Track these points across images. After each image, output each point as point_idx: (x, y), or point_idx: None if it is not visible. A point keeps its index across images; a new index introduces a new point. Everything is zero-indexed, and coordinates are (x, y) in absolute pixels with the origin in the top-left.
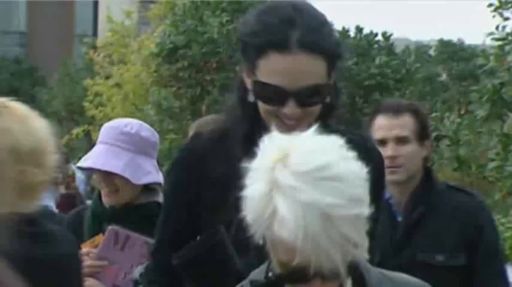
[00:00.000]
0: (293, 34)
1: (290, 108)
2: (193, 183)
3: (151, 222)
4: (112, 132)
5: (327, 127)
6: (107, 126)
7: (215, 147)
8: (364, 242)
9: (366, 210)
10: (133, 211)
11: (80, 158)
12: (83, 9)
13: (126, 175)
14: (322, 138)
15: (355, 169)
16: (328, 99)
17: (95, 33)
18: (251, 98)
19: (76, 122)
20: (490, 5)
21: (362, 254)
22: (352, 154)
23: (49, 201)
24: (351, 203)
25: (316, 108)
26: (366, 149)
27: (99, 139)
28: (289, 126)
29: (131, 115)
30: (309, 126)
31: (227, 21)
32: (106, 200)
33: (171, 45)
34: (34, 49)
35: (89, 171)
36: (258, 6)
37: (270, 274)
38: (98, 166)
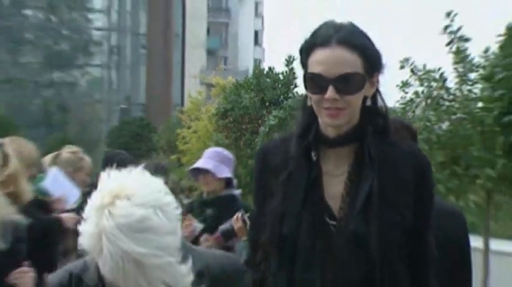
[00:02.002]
0: (334, 35)
1: (330, 93)
2: (261, 173)
3: (228, 206)
4: (209, 151)
5: (378, 138)
6: (207, 150)
7: (277, 145)
8: (176, 281)
9: (173, 256)
10: (218, 198)
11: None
12: (177, 90)
13: (213, 170)
14: (146, 185)
15: (165, 221)
16: (368, 99)
17: (182, 104)
18: (309, 102)
19: (172, 153)
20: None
21: (183, 282)
22: (169, 199)
23: None
24: (160, 252)
25: (354, 98)
26: (415, 157)
27: (203, 156)
28: (332, 114)
29: (203, 148)
30: (350, 117)
31: (254, 95)
32: (204, 189)
33: (223, 109)
34: (150, 114)
35: (195, 171)
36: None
37: None
38: (199, 165)
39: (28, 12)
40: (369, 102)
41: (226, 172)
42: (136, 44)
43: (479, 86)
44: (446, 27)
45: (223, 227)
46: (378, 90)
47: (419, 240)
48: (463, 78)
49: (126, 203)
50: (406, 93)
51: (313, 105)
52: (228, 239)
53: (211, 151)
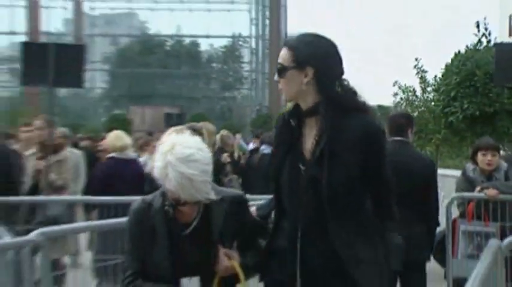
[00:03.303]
0: (285, 40)
1: (275, 77)
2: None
3: None
4: None
5: (339, 111)
6: None
7: (284, 122)
8: (210, 192)
9: (209, 178)
10: None
11: None
12: None
13: None
14: (191, 138)
15: (206, 156)
16: (302, 84)
17: None
18: None
19: None
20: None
21: (210, 196)
22: (204, 146)
23: None
24: (202, 173)
25: (284, 81)
26: (363, 126)
27: None
28: (281, 92)
29: None
30: (289, 94)
31: None
32: None
33: None
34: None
35: None
36: None
37: (167, 202)
38: None
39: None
40: (304, 88)
41: None
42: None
43: (431, 94)
44: (415, 66)
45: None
46: (342, 80)
47: (375, 180)
48: (424, 90)
49: (180, 147)
50: (396, 95)
51: None
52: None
53: None
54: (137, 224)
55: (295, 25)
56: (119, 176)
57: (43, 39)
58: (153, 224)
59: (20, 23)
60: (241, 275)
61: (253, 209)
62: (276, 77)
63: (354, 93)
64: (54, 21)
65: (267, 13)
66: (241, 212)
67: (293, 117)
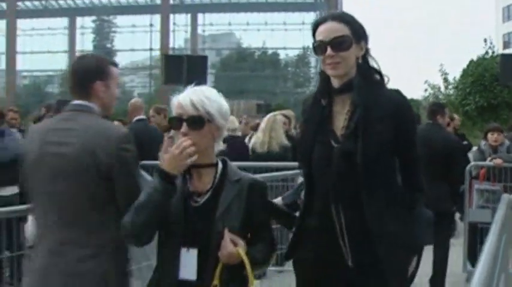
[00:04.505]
0: (329, 15)
1: (328, 51)
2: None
3: None
4: None
5: (373, 87)
6: None
7: (308, 102)
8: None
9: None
10: None
11: None
12: None
13: None
14: (202, 88)
15: (221, 101)
16: (359, 58)
17: None
18: (321, 67)
19: None
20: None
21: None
22: (217, 95)
23: None
24: (219, 114)
25: (346, 54)
26: (395, 99)
27: None
28: (332, 67)
29: None
30: (345, 69)
31: None
32: None
33: None
34: None
35: None
36: None
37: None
38: None
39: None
40: (360, 61)
41: None
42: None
43: (452, 91)
44: (440, 69)
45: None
46: (370, 55)
47: (406, 151)
48: (446, 87)
49: (196, 96)
50: (426, 91)
51: (321, 65)
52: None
53: None
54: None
55: None
56: (229, 150)
57: (170, 52)
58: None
59: (155, 42)
60: (247, 264)
61: (278, 199)
62: (330, 51)
63: (377, 69)
64: (178, 40)
65: None
66: (255, 199)
67: (323, 95)
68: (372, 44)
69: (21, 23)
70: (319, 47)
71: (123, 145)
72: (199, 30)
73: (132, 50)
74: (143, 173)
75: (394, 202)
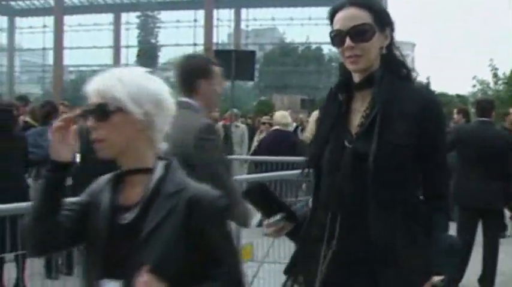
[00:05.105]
0: (347, 1)
1: (347, 42)
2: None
3: None
4: None
5: (393, 75)
6: None
7: (331, 96)
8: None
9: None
10: None
11: None
12: None
13: None
14: (123, 69)
15: (143, 84)
16: (383, 48)
17: None
18: (341, 59)
19: None
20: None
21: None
22: (142, 76)
23: None
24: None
25: (368, 45)
26: (421, 96)
27: None
28: (352, 61)
29: None
30: (367, 63)
31: None
32: None
33: None
34: None
35: None
36: None
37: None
38: None
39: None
40: (384, 52)
41: None
42: None
43: (501, 86)
44: (490, 64)
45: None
46: (395, 46)
47: (428, 155)
48: (495, 83)
49: (106, 80)
50: (474, 86)
51: (341, 57)
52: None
53: None
54: None
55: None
56: (279, 142)
57: (214, 48)
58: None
59: (199, 37)
60: None
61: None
62: (349, 42)
63: (403, 62)
64: (222, 35)
65: None
66: (200, 218)
67: (341, 90)
68: (416, 39)
69: (68, 20)
70: (336, 38)
71: (203, 135)
72: (243, 25)
73: (176, 45)
74: None
75: (410, 219)
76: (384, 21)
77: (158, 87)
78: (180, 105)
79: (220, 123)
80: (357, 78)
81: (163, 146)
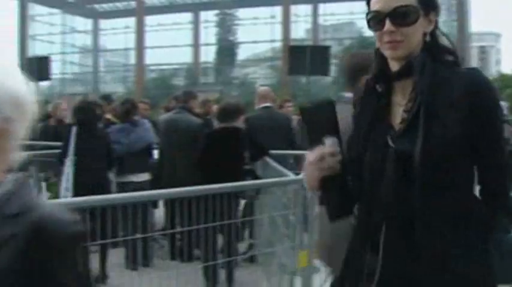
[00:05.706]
0: None
1: (387, 26)
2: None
3: None
4: None
5: (437, 61)
6: None
7: (368, 89)
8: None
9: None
10: None
11: None
12: None
13: None
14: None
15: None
16: (427, 32)
17: None
18: (377, 44)
19: None
20: None
21: None
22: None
23: None
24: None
25: (411, 30)
26: (470, 78)
27: None
28: (391, 47)
29: None
30: (408, 50)
31: None
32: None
33: None
34: None
35: None
36: None
37: None
38: None
39: None
40: (428, 39)
41: None
42: None
43: None
44: None
45: None
46: (439, 29)
47: (485, 149)
48: None
49: None
50: None
51: (377, 42)
52: None
53: None
54: None
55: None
56: None
57: (292, 44)
58: None
59: (277, 33)
60: None
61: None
62: (389, 26)
63: (449, 49)
64: (299, 31)
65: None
66: (43, 251)
67: (380, 81)
68: None
69: (149, 20)
70: (374, 20)
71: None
72: (320, 20)
73: (255, 42)
74: (270, 161)
75: (465, 224)
76: (429, 4)
77: (19, 86)
78: (345, 100)
79: None
80: (395, 66)
81: (18, 156)
